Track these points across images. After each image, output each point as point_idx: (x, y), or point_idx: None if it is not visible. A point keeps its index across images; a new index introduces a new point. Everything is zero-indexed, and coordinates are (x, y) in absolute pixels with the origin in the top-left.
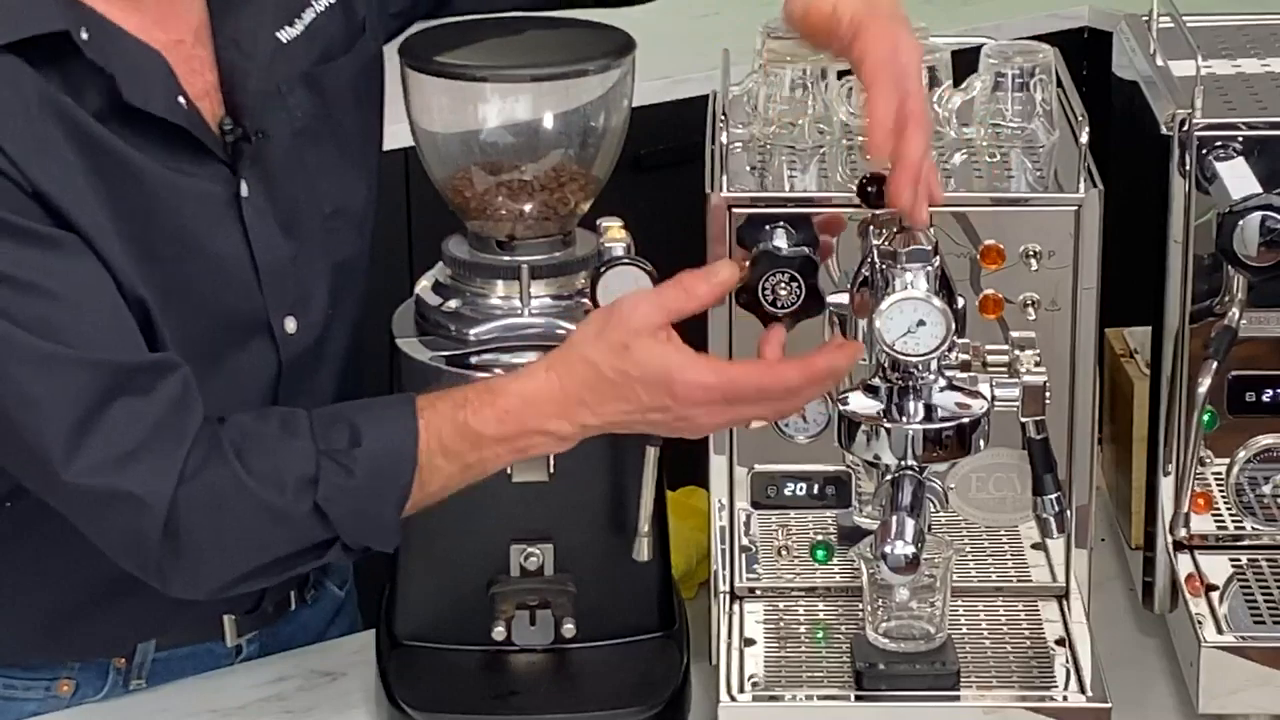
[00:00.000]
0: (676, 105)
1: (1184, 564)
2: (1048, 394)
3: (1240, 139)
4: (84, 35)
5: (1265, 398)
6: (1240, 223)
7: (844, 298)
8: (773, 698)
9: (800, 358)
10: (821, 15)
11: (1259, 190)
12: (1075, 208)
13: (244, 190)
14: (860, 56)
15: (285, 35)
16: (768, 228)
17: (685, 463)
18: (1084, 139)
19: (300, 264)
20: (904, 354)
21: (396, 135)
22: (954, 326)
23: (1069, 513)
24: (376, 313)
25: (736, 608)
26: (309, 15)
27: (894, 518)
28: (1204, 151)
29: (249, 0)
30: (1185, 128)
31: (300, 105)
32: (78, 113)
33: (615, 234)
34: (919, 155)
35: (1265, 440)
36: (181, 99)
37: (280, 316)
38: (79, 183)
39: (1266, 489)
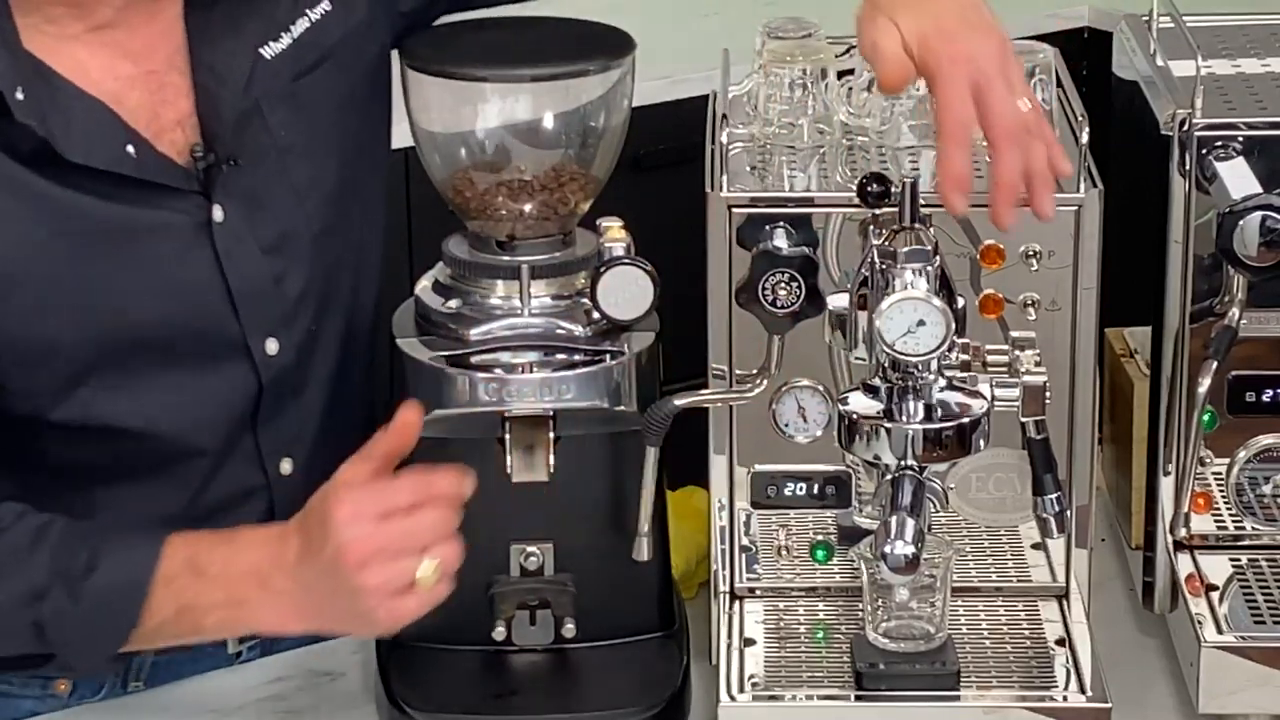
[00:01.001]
0: (676, 105)
1: (1184, 564)
2: (1048, 394)
3: (1240, 139)
4: (19, 95)
5: (1265, 398)
6: (1240, 223)
7: (844, 298)
8: (773, 698)
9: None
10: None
11: (1259, 190)
12: (1075, 208)
13: (217, 215)
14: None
15: (269, 51)
16: (768, 228)
17: (685, 463)
18: (1084, 139)
19: (287, 283)
20: (904, 354)
21: (396, 135)
22: (954, 326)
23: (1069, 513)
24: (377, 313)
25: (736, 608)
26: (300, 26)
27: (894, 518)
28: (1204, 151)
29: (229, 20)
30: (1185, 128)
31: (284, 123)
32: (7, 164)
33: (615, 234)
34: (1009, 173)
35: (1265, 440)
36: (131, 148)
37: (260, 339)
38: (8, 232)
39: (1266, 489)
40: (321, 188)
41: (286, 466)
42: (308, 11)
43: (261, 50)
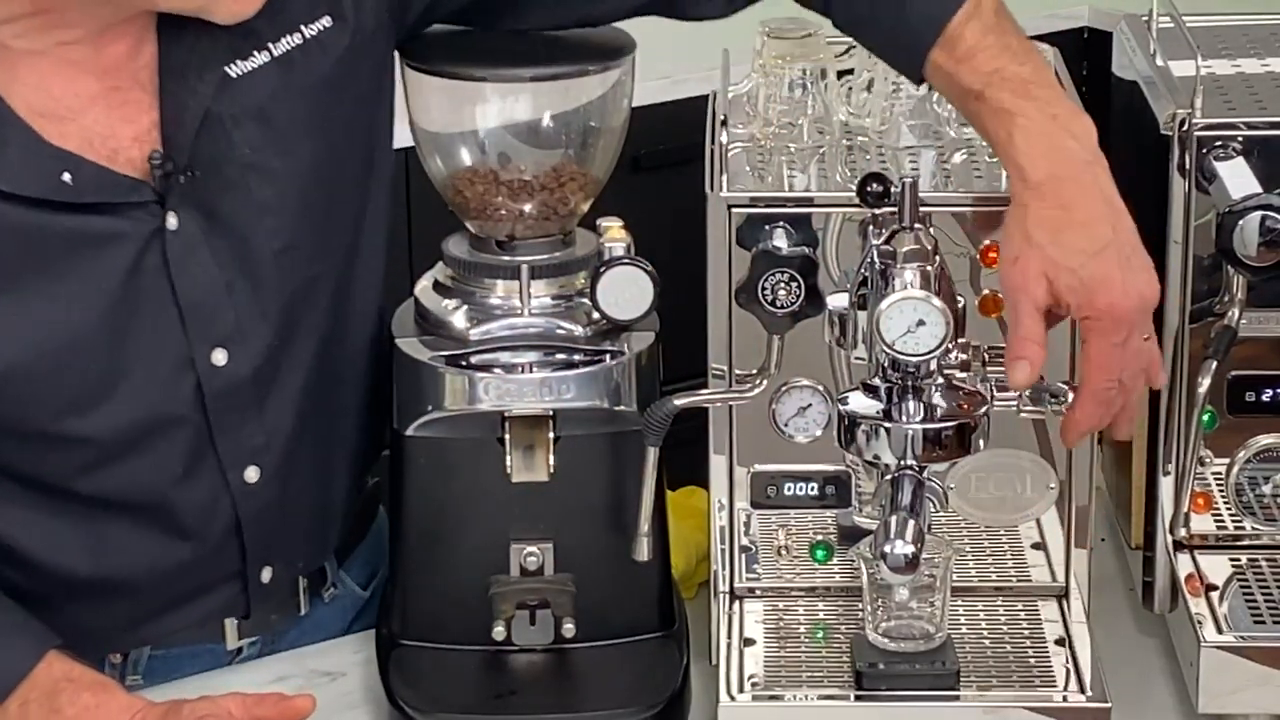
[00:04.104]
0: (676, 105)
1: (1184, 564)
2: None
3: (1240, 139)
4: None
5: (1265, 398)
6: (1240, 223)
7: (844, 298)
8: (773, 698)
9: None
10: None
11: (1259, 190)
12: None
13: (171, 224)
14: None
15: (237, 69)
16: (768, 228)
17: (685, 463)
18: None
19: (240, 295)
20: (904, 354)
21: (396, 135)
22: (954, 326)
23: (1071, 514)
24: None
25: (736, 608)
26: (288, 43)
27: (894, 518)
28: (1204, 151)
29: (204, 35)
30: (1185, 128)
31: (251, 141)
32: None
33: (615, 234)
34: (1086, 424)
35: (1265, 440)
36: (67, 175)
37: (206, 349)
38: None
39: (1266, 489)
40: (287, 206)
41: (252, 474)
42: (303, 28)
43: (228, 69)
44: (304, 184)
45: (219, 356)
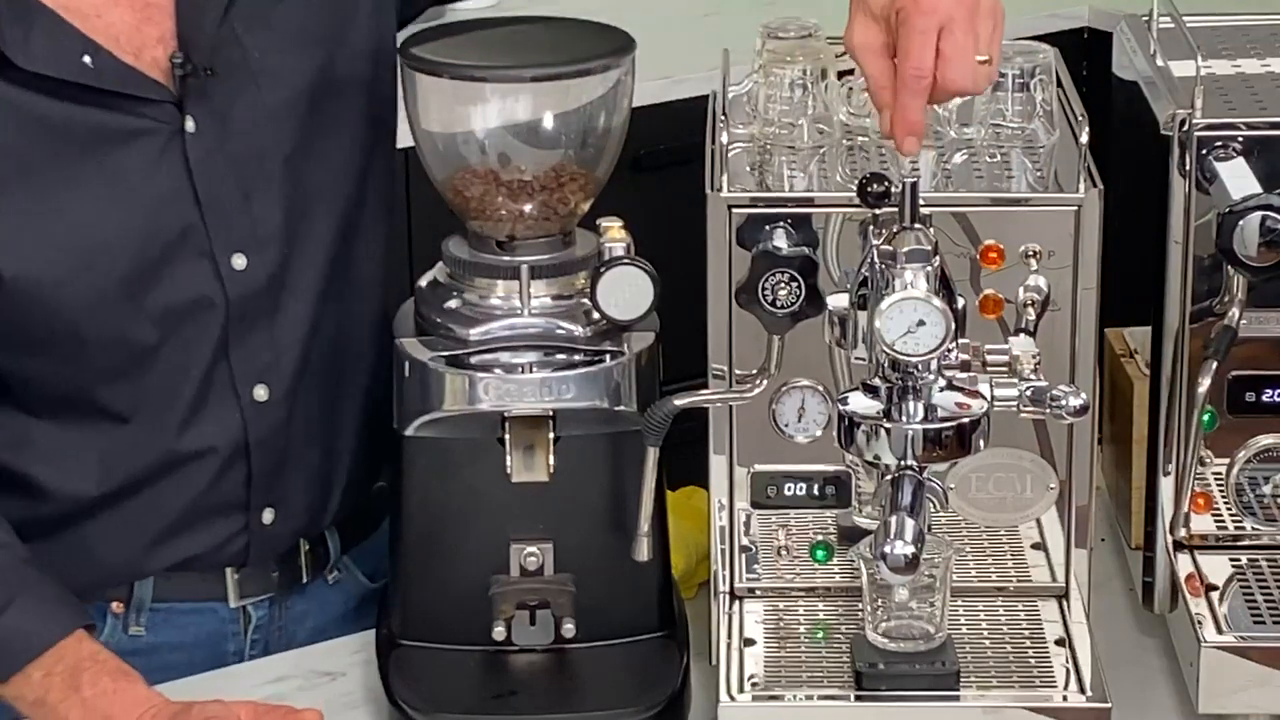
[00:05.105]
0: (676, 105)
1: (1184, 564)
2: None
3: (1240, 139)
4: None
5: (1265, 398)
6: (1240, 223)
7: (844, 298)
8: (772, 698)
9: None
10: None
11: (1259, 190)
12: (1075, 208)
13: (189, 126)
14: None
15: None
16: (768, 228)
17: (685, 463)
18: (1084, 139)
19: (256, 201)
20: (904, 354)
21: (397, 135)
22: (954, 326)
23: (1071, 514)
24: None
25: (736, 608)
26: None
27: (894, 518)
28: (1204, 151)
29: None
30: (1185, 128)
31: (260, 46)
32: None
33: (615, 234)
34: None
35: (1265, 440)
36: (88, 58)
37: (227, 253)
38: None
39: (1266, 489)
40: (295, 112)
41: (261, 393)
42: None
43: None
44: (310, 91)
45: (239, 261)
